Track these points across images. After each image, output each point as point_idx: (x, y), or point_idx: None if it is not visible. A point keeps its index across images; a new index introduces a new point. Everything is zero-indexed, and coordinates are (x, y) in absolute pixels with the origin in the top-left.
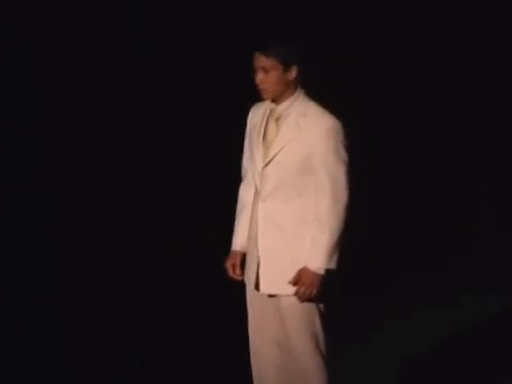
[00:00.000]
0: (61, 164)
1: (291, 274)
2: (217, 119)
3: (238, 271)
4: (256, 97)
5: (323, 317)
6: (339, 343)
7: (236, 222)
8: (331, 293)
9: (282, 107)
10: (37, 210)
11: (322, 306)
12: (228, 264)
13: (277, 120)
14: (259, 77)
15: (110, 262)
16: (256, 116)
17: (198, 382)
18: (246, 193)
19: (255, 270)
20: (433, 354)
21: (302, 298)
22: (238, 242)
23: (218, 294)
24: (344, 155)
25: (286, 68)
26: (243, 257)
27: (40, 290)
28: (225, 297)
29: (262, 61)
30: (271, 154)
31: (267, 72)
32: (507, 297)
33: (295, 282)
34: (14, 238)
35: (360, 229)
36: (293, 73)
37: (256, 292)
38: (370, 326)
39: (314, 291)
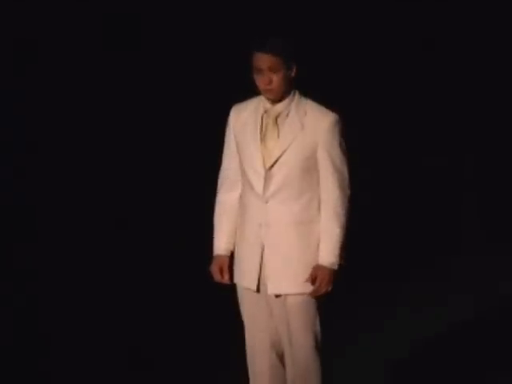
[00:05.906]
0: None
1: (300, 272)
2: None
3: (226, 276)
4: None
5: (322, 315)
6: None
7: (217, 227)
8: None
9: (280, 106)
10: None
11: (321, 304)
12: (214, 269)
13: (275, 119)
14: (268, 77)
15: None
16: (242, 117)
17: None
18: (228, 197)
19: (257, 272)
20: (419, 353)
21: (317, 295)
22: (223, 246)
23: (213, 295)
24: (345, 149)
25: (288, 66)
26: (229, 260)
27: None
28: (221, 298)
29: (269, 61)
30: (276, 155)
31: (275, 72)
32: (492, 297)
33: (313, 280)
34: None
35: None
36: (294, 70)
37: (253, 293)
38: (355, 326)
39: (330, 288)
